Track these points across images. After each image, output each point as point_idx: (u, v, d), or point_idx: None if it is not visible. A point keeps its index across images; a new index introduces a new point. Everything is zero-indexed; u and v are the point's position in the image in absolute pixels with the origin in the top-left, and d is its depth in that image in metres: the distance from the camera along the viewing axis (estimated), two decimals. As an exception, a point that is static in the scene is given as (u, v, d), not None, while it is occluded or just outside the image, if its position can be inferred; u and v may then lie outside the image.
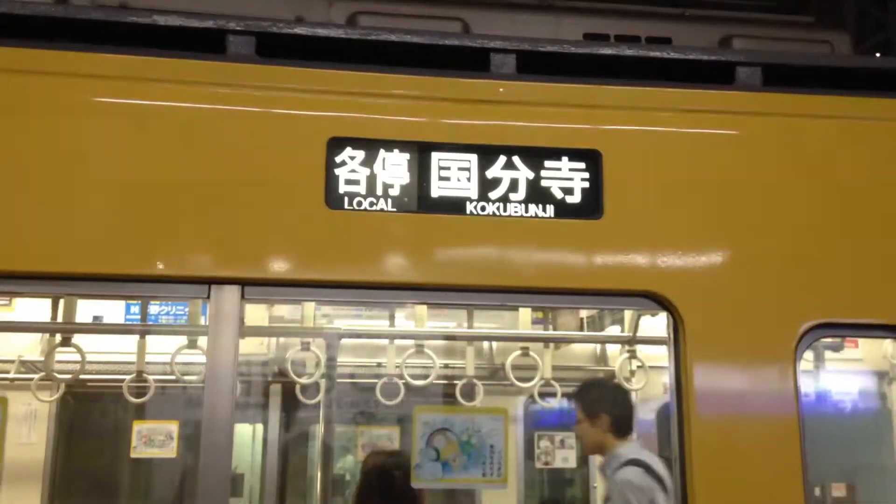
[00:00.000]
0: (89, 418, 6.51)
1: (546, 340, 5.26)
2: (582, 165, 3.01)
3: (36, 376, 5.02)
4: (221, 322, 2.79)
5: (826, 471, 6.16)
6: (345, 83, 2.99)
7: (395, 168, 2.94)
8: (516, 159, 2.99)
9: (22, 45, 2.87)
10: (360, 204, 2.89)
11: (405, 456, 4.29)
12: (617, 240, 2.99)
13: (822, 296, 3.04)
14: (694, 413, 2.87)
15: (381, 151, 2.93)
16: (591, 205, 2.99)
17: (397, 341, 5.19)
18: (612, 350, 6.15)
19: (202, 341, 4.72)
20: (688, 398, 2.88)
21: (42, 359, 5.02)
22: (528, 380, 5.17)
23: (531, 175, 2.99)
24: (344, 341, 5.54)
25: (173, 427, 6.12)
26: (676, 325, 2.94)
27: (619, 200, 3.00)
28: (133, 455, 6.18)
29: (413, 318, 5.08)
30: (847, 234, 3.09)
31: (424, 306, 4.71)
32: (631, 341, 5.21)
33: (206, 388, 2.74)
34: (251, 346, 5.82)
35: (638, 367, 5.28)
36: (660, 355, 4.52)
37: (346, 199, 2.88)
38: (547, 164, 3.00)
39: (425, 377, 5.05)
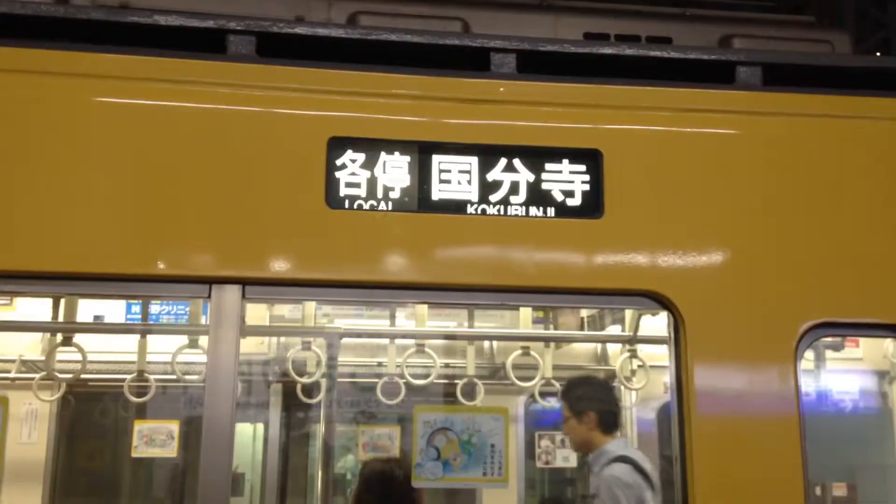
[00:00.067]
0: (90, 418, 6.49)
1: (547, 340, 5.25)
2: (582, 166, 3.02)
3: (37, 376, 5.01)
4: (222, 321, 2.79)
5: (827, 470, 6.15)
6: (345, 83, 2.99)
7: (395, 171, 2.95)
8: (517, 162, 3.00)
9: (22, 45, 2.87)
10: (360, 207, 2.90)
11: (402, 464, 4.31)
12: (617, 239, 2.99)
13: (822, 295, 3.04)
14: (694, 412, 2.87)
15: (382, 154, 2.94)
16: (592, 204, 3.00)
17: (398, 341, 5.18)
18: (613, 349, 6.15)
19: (203, 341, 4.72)
20: (688, 397, 2.89)
21: (43, 358, 5.01)
22: (529, 379, 5.16)
23: (532, 178, 3.00)
24: (345, 341, 5.52)
25: (174, 426, 6.11)
26: (677, 324, 2.95)
27: (619, 200, 3.00)
28: (134, 455, 6.16)
29: (414, 317, 5.08)
30: (847, 233, 3.09)
31: (425, 306, 4.71)
32: (632, 341, 5.21)
33: (206, 388, 2.74)
34: (252, 346, 5.81)
35: (639, 366, 5.27)
36: (660, 355, 4.52)
37: (346, 200, 2.89)
38: (548, 166, 3.01)
39: (426, 377, 5.04)
